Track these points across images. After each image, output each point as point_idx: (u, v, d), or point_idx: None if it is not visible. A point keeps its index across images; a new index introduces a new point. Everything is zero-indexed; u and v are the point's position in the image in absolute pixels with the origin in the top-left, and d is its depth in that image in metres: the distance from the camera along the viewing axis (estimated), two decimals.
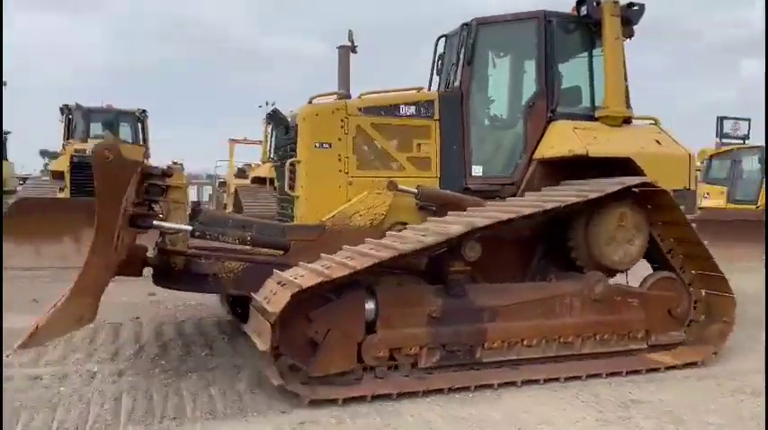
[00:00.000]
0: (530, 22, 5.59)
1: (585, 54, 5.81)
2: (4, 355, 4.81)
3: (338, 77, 5.74)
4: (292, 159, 5.19)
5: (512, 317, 4.75)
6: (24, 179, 18.69)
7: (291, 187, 5.21)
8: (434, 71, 6.19)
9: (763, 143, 15.54)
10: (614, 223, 5.07)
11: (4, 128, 16.25)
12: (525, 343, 4.78)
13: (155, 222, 4.56)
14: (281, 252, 4.98)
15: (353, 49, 5.82)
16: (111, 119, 15.46)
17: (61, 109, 15.51)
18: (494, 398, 4.32)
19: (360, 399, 4.14)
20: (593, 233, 5.06)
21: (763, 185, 14.82)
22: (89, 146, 13.08)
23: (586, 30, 5.74)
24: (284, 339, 4.20)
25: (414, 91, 5.51)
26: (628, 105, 5.74)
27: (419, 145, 5.42)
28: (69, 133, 15.32)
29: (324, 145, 5.11)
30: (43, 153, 16.99)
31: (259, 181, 14.86)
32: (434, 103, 5.46)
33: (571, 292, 4.95)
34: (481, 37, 5.62)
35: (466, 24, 5.70)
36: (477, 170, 5.57)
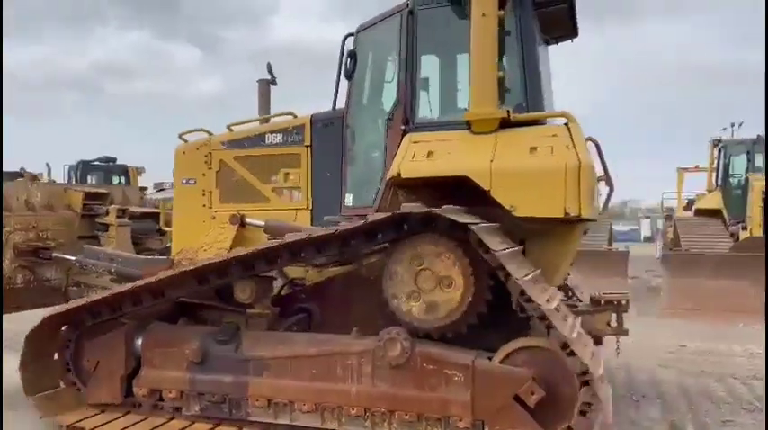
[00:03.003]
0: (394, 18, 4.57)
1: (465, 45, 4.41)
2: None
3: (258, 110, 5.69)
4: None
5: (281, 373, 4.06)
6: None
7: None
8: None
9: None
10: (405, 266, 3.78)
11: None
12: (297, 407, 4.01)
13: (54, 254, 5.50)
14: None
15: (273, 81, 5.68)
16: None
17: None
18: None
19: None
20: (384, 279, 3.89)
21: None
22: None
23: (467, 15, 4.35)
24: (77, 364, 4.64)
25: (290, 116, 5.12)
26: (541, 104, 4.16)
27: (287, 174, 5.03)
28: None
29: (189, 181, 5.26)
30: None
31: (705, 213, 14.12)
32: (305, 129, 4.99)
33: (357, 352, 3.91)
34: (361, 45, 4.87)
35: (350, 34, 5.00)
36: (348, 199, 4.83)
